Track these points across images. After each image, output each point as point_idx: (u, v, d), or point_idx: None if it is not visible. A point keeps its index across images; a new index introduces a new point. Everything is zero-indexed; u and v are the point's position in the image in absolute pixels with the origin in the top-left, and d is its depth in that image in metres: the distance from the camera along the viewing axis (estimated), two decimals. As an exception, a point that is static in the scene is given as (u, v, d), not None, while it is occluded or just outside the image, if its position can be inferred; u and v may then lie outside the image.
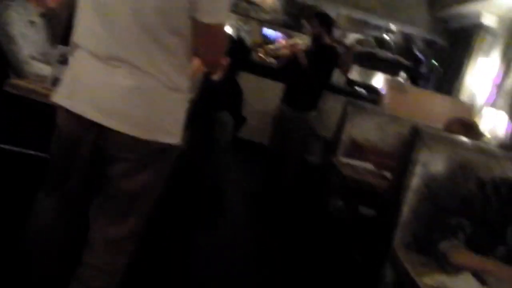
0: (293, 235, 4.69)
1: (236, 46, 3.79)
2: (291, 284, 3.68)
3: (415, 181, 2.45)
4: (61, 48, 3.07)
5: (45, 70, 3.33)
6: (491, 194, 2.20)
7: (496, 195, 2.19)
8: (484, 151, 2.51)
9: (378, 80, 7.84)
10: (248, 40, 7.75)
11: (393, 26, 8.06)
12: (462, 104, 5.98)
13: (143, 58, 1.88)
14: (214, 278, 3.38)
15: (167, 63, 1.92)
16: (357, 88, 7.71)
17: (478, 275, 1.88)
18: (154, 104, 1.94)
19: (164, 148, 2.00)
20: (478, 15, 6.43)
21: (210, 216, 4.05)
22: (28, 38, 3.46)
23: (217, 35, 2.00)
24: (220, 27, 1.98)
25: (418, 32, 8.02)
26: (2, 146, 3.07)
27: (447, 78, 7.10)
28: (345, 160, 3.97)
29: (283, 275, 3.81)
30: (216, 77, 3.74)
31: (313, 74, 5.22)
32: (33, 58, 3.45)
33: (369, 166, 3.80)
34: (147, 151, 1.98)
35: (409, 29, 8.05)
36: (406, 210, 2.47)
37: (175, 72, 1.95)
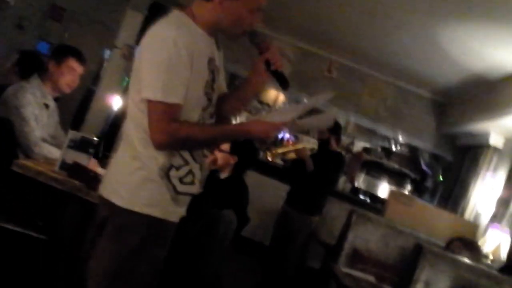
0: None
1: (245, 145, 3.82)
2: None
3: (416, 300, 2.41)
4: (71, 133, 3.11)
5: (54, 153, 3.37)
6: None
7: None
8: (486, 275, 2.48)
9: (383, 190, 7.84)
10: (256, 139, 7.80)
11: (400, 138, 8.16)
12: (467, 223, 5.96)
13: (125, 133, 2.20)
14: None
15: (134, 136, 2.14)
16: (361, 196, 7.72)
17: None
18: (112, 168, 2.23)
19: (113, 210, 2.11)
20: (486, 135, 6.52)
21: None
22: (41, 121, 3.52)
23: (150, 110, 2.09)
24: (152, 102, 2.07)
25: (424, 146, 8.12)
26: (4, 225, 3.06)
27: (453, 194, 7.11)
28: (346, 270, 3.91)
29: None
30: (223, 175, 3.76)
31: (318, 179, 5.24)
32: (44, 140, 3.50)
33: (370, 278, 3.74)
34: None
35: (416, 142, 8.16)
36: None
37: (139, 143, 2.13)
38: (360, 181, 7.79)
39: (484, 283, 2.41)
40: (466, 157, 7.25)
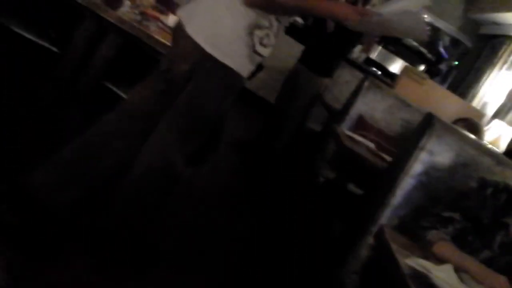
0: (275, 196, 4.68)
1: None
2: (261, 244, 3.69)
3: (416, 166, 2.42)
4: None
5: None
6: (490, 197, 2.18)
7: (494, 199, 2.17)
8: (490, 154, 2.48)
9: (396, 66, 7.76)
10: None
11: (425, 16, 7.93)
12: (474, 110, 5.94)
13: None
14: (188, 222, 3.37)
15: None
16: (374, 68, 7.64)
17: (457, 272, 1.87)
18: (203, 10, 2.36)
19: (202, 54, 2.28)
20: (511, 26, 6.35)
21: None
22: None
23: None
24: None
25: (447, 28, 7.91)
26: (20, 31, 3.01)
27: (465, 81, 7.05)
28: (348, 132, 3.93)
29: (257, 231, 3.81)
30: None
31: (335, 41, 5.14)
32: None
33: (371, 144, 3.76)
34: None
35: (439, 23, 7.94)
36: (399, 193, 2.45)
37: None
38: (376, 53, 7.69)
39: (486, 162, 2.41)
40: (486, 46, 7.11)
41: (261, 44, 2.36)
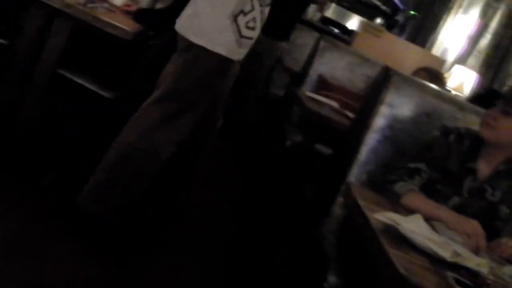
0: (247, 164, 4.67)
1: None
2: (238, 212, 3.69)
3: (378, 120, 2.40)
4: None
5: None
6: (453, 143, 2.18)
7: (458, 145, 2.17)
8: (451, 101, 2.48)
9: (353, 23, 7.73)
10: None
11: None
12: (434, 57, 5.96)
13: None
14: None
15: None
16: (331, 26, 7.60)
17: (428, 221, 1.87)
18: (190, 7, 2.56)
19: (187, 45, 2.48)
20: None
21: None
22: None
23: None
24: None
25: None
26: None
27: (422, 29, 7.06)
28: (310, 94, 3.90)
29: (234, 203, 3.80)
30: None
31: (288, 3, 5.07)
32: None
33: (334, 103, 3.75)
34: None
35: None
36: (365, 149, 2.43)
37: None
38: (330, 11, 7.64)
39: (448, 109, 2.41)
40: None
41: (248, 27, 2.52)
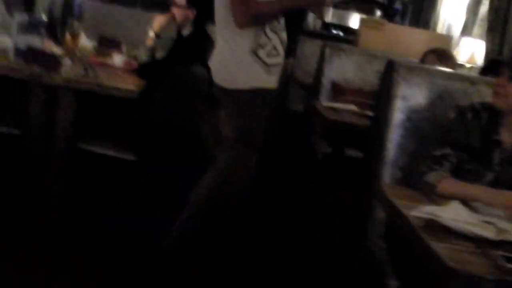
0: (280, 183, 4.65)
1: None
2: (279, 230, 3.69)
3: (396, 115, 2.40)
4: (17, 16, 2.91)
5: (6, 41, 3.19)
6: (471, 120, 2.16)
7: (476, 121, 2.16)
8: (460, 78, 2.47)
9: (354, 21, 7.71)
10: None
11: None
12: (440, 36, 5.93)
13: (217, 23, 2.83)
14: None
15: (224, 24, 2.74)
16: (333, 30, 7.59)
17: (467, 203, 1.86)
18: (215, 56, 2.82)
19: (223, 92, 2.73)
20: None
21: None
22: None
23: None
24: None
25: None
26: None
27: (423, 11, 7.02)
28: (327, 104, 3.92)
29: (271, 222, 3.80)
30: (185, 31, 3.63)
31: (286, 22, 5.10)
32: None
33: (352, 107, 3.76)
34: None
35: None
36: (390, 146, 2.43)
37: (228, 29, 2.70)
38: (329, 15, 7.64)
39: (459, 86, 2.39)
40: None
41: (271, 55, 2.73)
